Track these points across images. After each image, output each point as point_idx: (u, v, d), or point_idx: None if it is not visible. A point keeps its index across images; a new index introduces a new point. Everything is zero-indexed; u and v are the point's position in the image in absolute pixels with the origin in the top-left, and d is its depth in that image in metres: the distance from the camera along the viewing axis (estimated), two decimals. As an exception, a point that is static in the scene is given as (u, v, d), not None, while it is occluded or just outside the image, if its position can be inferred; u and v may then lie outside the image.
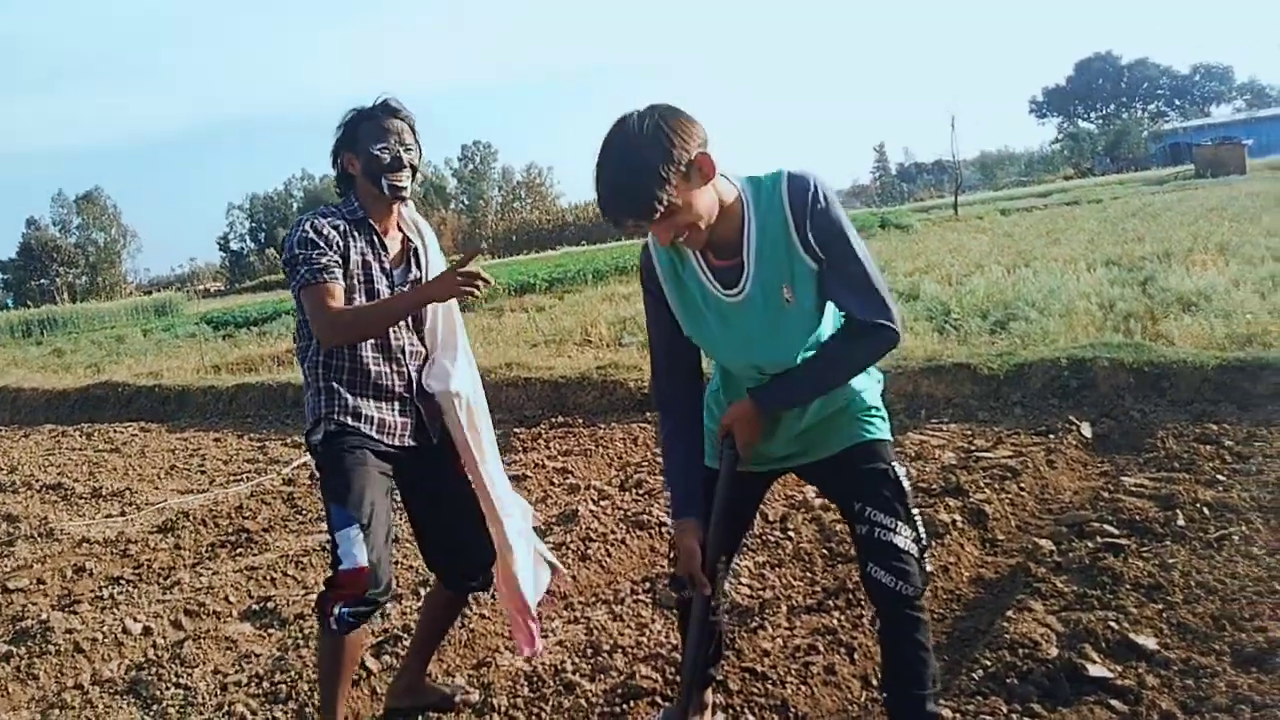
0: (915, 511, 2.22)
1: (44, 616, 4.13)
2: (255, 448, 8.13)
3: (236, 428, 9.19)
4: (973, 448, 5.08)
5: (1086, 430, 5.08)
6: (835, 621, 3.26)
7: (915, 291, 10.86)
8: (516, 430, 6.87)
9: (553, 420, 7.07)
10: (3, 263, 74.07)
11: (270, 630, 3.87)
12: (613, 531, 4.38)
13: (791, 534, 4.19)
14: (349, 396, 2.56)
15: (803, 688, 2.87)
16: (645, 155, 1.84)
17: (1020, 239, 16.27)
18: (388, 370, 2.61)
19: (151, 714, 3.25)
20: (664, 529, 4.42)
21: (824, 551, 3.98)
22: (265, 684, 3.33)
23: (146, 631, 3.99)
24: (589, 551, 4.20)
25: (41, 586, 4.77)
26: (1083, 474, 4.68)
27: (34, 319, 26.87)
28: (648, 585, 3.82)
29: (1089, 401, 5.54)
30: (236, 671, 3.47)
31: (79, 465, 8.06)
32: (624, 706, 2.86)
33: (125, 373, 12.58)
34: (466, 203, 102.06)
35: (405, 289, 2.64)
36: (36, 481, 7.32)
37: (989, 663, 2.81)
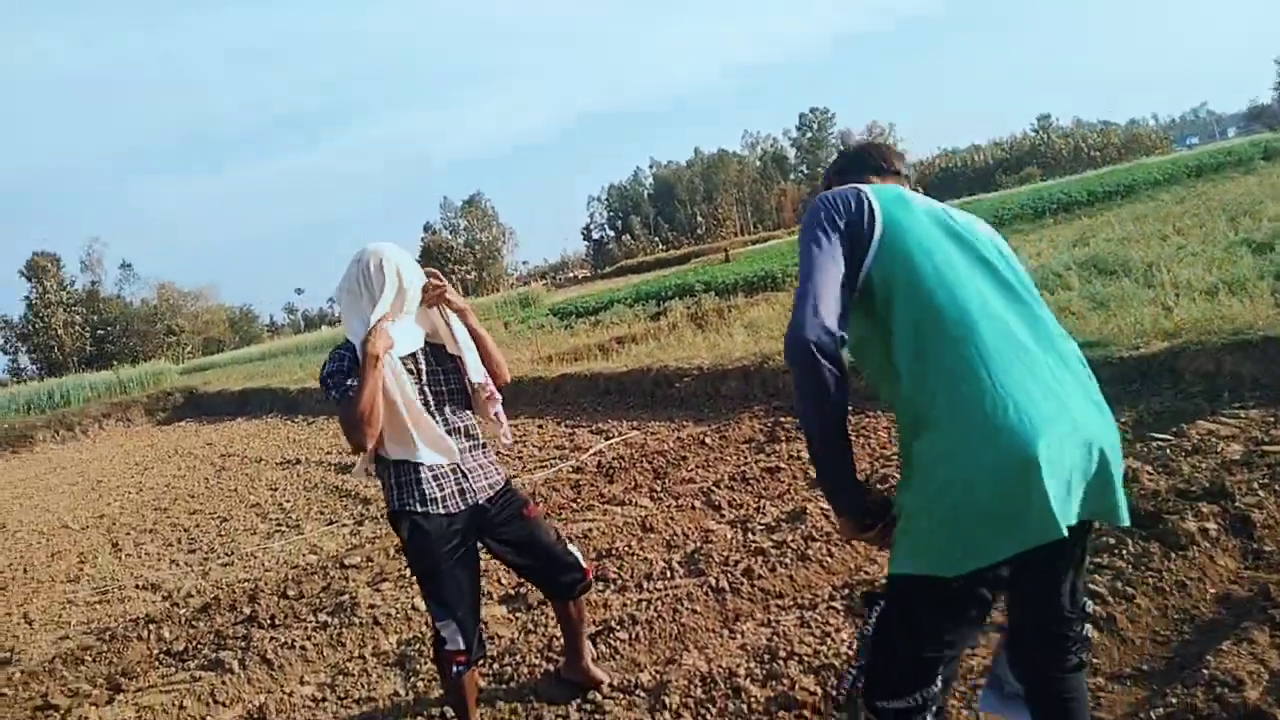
0: (871, 660, 1.88)
1: (355, 593, 4.98)
2: (565, 434, 8.96)
3: (556, 415, 10.15)
4: (1267, 439, 4.40)
5: None
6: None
7: (1272, 241, 9.36)
8: (783, 420, 6.96)
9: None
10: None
11: (518, 614, 4.36)
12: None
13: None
14: (415, 489, 2.95)
15: (965, 712, 2.76)
16: None
17: None
18: (439, 455, 2.98)
19: (409, 685, 3.85)
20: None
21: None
22: (496, 665, 3.80)
23: (430, 609, 4.66)
24: (809, 551, 4.24)
25: (369, 564, 5.69)
26: None
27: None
28: (847, 591, 3.80)
29: None
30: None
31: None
32: (780, 716, 2.94)
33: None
34: (806, 172, 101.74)
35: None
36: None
37: (1174, 700, 2.53)
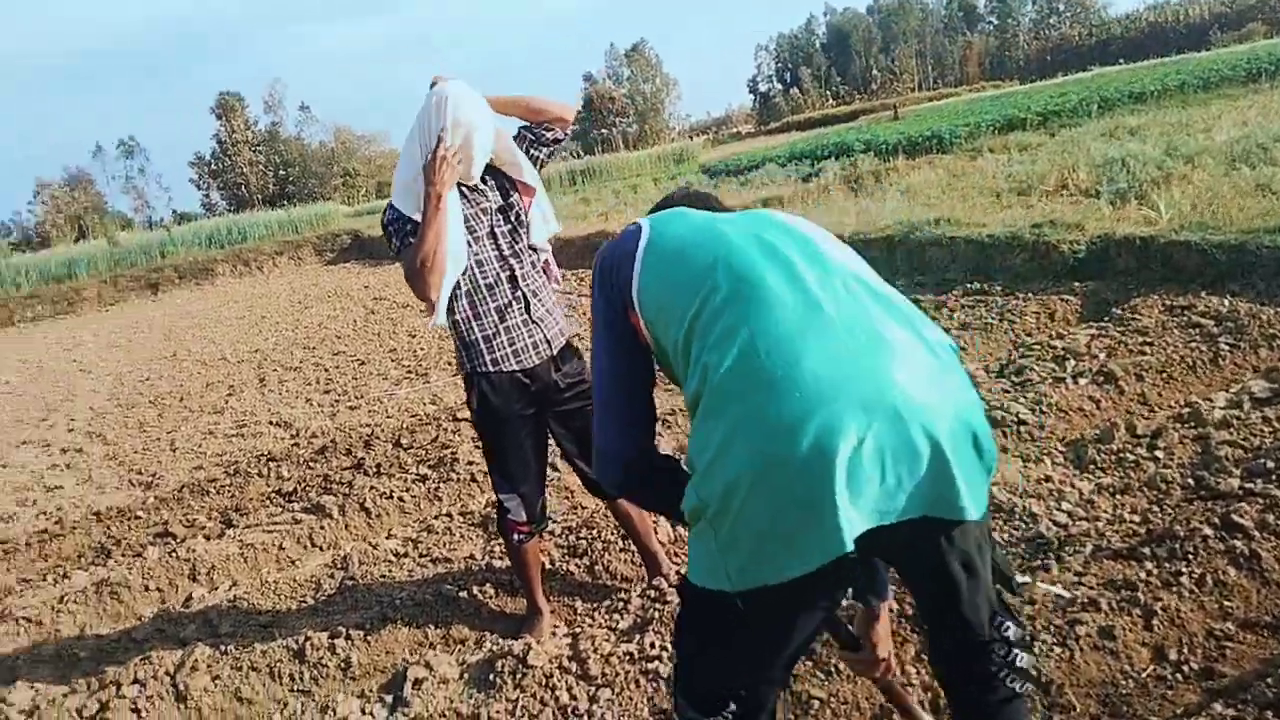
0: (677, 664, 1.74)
1: (458, 447, 5.00)
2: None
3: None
4: None
5: None
6: (1141, 574, 2.70)
7: None
8: (921, 297, 6.45)
9: (969, 286, 6.49)
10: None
11: (608, 486, 4.24)
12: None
13: (1159, 454, 3.48)
14: (484, 347, 2.83)
15: (1058, 650, 2.46)
16: None
17: None
18: (507, 302, 2.84)
19: (486, 549, 3.83)
20: (1022, 428, 3.94)
21: (1189, 482, 3.25)
22: (572, 538, 3.72)
23: (527, 471, 4.62)
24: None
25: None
26: None
27: (578, 169, 30.64)
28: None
29: None
30: (560, 521, 3.91)
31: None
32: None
33: (618, 223, 14.02)
34: (995, 23, 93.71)
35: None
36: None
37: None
